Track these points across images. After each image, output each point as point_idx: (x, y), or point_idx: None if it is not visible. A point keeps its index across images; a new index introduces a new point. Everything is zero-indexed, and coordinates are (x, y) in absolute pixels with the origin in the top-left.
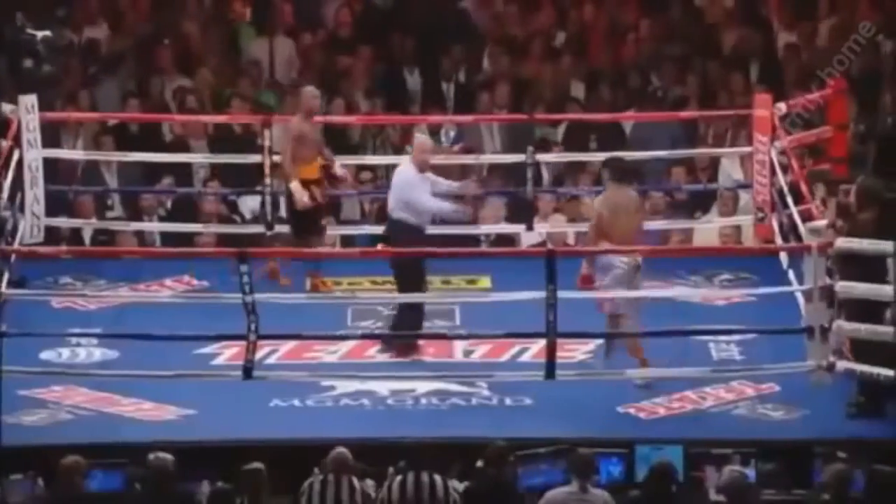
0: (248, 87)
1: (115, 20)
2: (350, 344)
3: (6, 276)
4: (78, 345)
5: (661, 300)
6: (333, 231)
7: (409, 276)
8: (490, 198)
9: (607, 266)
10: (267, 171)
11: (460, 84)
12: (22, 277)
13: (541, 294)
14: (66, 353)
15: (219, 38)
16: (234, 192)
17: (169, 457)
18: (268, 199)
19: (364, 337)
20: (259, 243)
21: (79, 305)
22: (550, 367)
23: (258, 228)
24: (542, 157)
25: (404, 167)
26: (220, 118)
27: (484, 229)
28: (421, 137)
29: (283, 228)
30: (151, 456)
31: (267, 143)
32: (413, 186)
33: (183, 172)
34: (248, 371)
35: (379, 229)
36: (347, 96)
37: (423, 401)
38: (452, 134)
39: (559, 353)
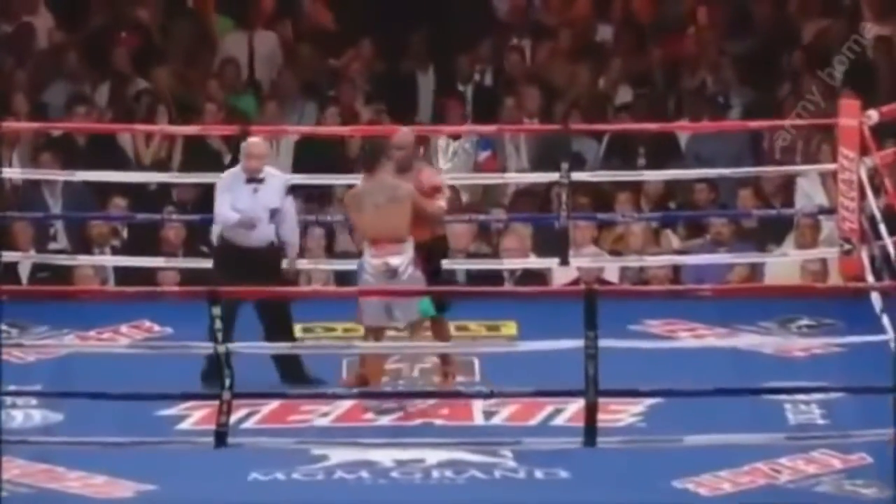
0: (220, 90)
1: (62, 7)
2: (346, 404)
3: None
4: (13, 405)
5: (724, 350)
6: (326, 266)
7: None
8: (514, 225)
9: (359, 271)
10: None
11: (481, 87)
12: None
13: (578, 343)
14: None
15: (185, 30)
16: (203, 217)
17: None
18: None
19: (362, 396)
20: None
21: (14, 357)
22: (590, 432)
23: None
24: (579, 176)
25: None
26: (189, 129)
27: (508, 264)
28: (251, 140)
29: None
30: None
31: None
32: (222, 188)
33: (141, 194)
34: (220, 437)
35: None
36: (343, 102)
37: (436, 473)
38: (469, 144)
39: (601, 416)
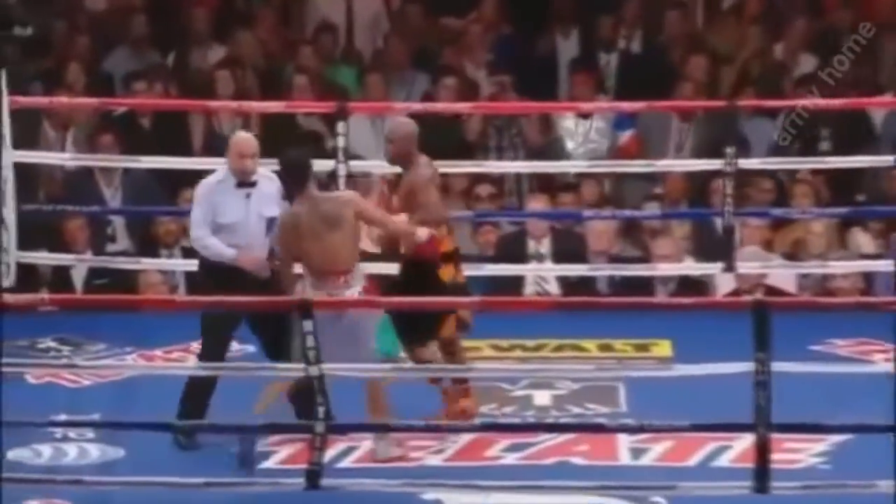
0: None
1: None
2: (465, 438)
3: None
4: (65, 438)
5: None
6: None
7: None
8: (667, 223)
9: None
10: (341, 183)
11: (628, 55)
12: None
13: (746, 367)
14: (47, 451)
15: None
16: None
17: None
18: None
19: (485, 428)
20: None
21: (66, 380)
22: (761, 475)
23: None
24: (748, 164)
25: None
26: (275, 105)
27: (661, 270)
28: (241, 135)
29: None
30: None
31: (341, 142)
32: (205, 195)
33: None
34: (313, 477)
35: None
36: (460, 73)
37: None
38: (604, 123)
39: (774, 455)
